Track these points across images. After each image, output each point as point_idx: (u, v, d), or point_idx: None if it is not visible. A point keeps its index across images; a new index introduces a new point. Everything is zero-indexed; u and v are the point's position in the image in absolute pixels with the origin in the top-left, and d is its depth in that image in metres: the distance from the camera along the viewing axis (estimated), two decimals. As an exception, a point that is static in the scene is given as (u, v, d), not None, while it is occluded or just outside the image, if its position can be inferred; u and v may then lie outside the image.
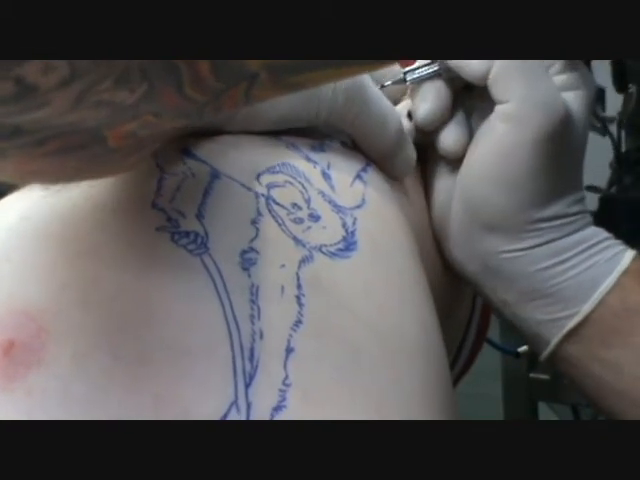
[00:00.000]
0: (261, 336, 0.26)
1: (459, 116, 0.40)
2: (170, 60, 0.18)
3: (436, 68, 0.39)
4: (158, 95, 0.19)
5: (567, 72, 0.39)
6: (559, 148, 0.38)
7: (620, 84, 0.89)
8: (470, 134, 0.40)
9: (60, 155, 0.21)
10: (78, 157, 0.22)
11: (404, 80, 0.39)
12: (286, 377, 0.26)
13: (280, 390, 0.25)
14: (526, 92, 0.37)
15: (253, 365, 0.25)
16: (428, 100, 0.39)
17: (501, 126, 0.38)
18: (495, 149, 0.38)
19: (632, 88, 0.89)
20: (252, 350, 0.26)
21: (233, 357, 0.25)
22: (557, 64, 0.39)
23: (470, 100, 0.40)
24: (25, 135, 0.19)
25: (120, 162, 0.25)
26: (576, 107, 0.39)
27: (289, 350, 0.26)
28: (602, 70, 0.90)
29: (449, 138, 0.40)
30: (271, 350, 0.26)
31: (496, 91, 0.38)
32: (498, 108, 0.38)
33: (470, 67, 0.38)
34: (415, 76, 0.39)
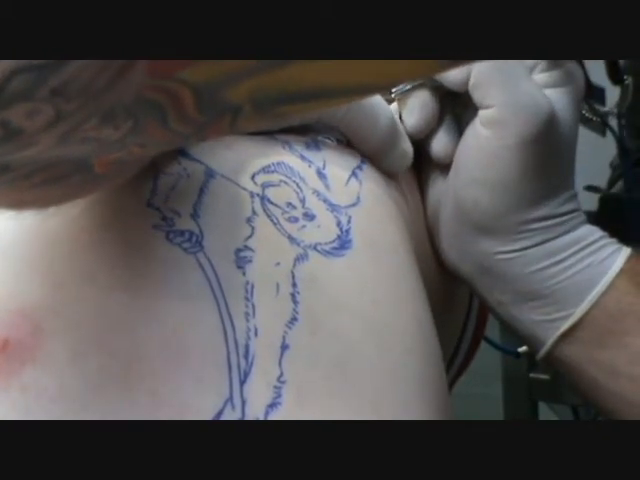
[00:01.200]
0: (256, 333, 0.26)
1: (448, 121, 0.41)
2: (155, 99, 0.19)
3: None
4: (143, 130, 0.20)
5: (552, 69, 0.39)
6: (545, 149, 0.38)
7: (615, 76, 0.88)
8: (459, 138, 0.40)
9: (48, 185, 0.22)
10: (66, 185, 0.22)
11: (390, 92, 0.39)
12: (281, 374, 0.26)
13: (275, 387, 0.25)
14: (507, 97, 0.37)
15: (248, 362, 0.25)
16: (415, 112, 0.39)
17: (485, 131, 0.38)
18: (481, 153, 0.39)
19: (628, 80, 0.88)
20: (247, 347, 0.26)
21: (228, 354, 0.25)
22: (542, 62, 0.39)
23: (457, 104, 0.41)
24: (13, 171, 0.20)
25: (106, 184, 0.26)
26: (562, 104, 0.39)
27: (284, 347, 0.26)
28: (599, 68, 0.89)
29: (438, 145, 0.40)
30: (266, 347, 0.26)
31: (477, 97, 0.38)
32: (481, 113, 0.38)
33: (450, 75, 0.38)
34: (399, 88, 0.39)
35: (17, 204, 0.23)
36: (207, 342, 0.26)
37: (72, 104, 0.17)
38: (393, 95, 0.39)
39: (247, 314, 0.26)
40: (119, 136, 0.19)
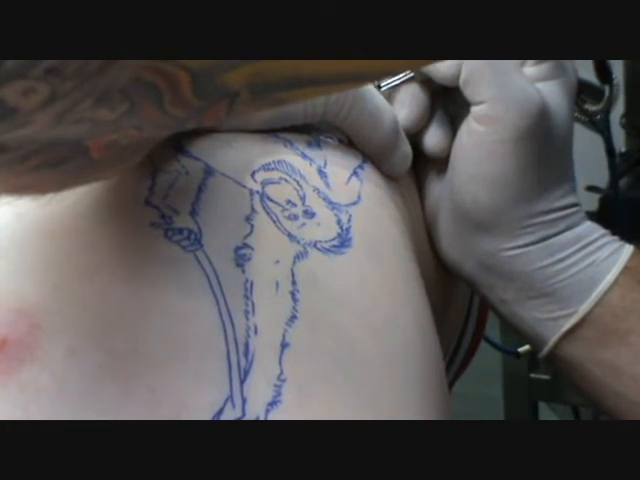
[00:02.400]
0: (256, 331, 0.26)
1: (439, 115, 0.40)
2: (151, 81, 0.19)
3: (408, 71, 0.39)
4: (139, 112, 0.20)
5: (543, 62, 0.39)
6: (540, 141, 0.38)
7: (603, 75, 0.88)
8: (453, 131, 0.40)
9: (45, 170, 0.22)
10: (63, 170, 0.22)
11: (379, 87, 0.39)
12: (281, 372, 0.26)
13: (275, 385, 0.25)
14: (498, 92, 0.37)
15: (248, 360, 0.25)
16: (405, 106, 0.39)
17: (479, 127, 0.38)
18: (476, 149, 0.38)
19: (617, 79, 0.88)
20: (247, 345, 0.26)
21: (228, 352, 0.25)
22: None
23: (449, 98, 0.40)
24: (9, 152, 0.20)
25: (104, 173, 0.26)
26: (555, 97, 0.39)
27: (284, 345, 0.26)
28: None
29: (431, 140, 0.40)
30: (266, 345, 0.26)
31: (468, 93, 0.38)
32: (473, 110, 0.38)
33: (439, 70, 0.38)
34: (389, 82, 0.39)
35: (15, 189, 0.23)
36: (206, 340, 0.25)
37: (67, 84, 0.17)
38: (382, 90, 0.39)
39: (247, 312, 0.26)
40: (114, 117, 0.19)
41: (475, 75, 0.37)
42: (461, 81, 0.38)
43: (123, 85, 0.18)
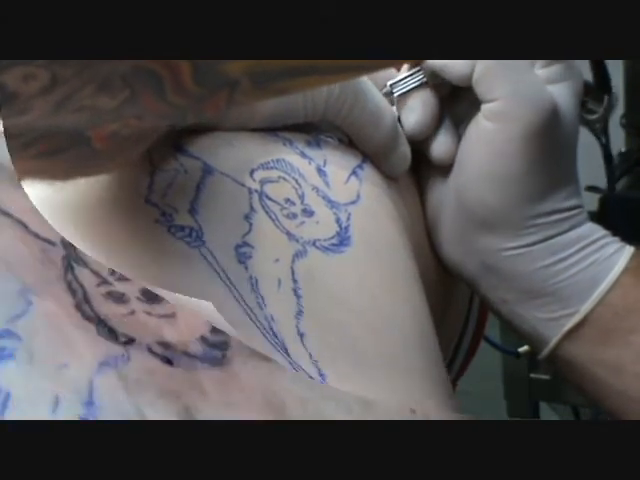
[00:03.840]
0: (273, 319, 0.26)
1: (447, 122, 0.40)
2: (152, 68, 0.19)
3: (421, 76, 0.39)
4: (139, 100, 0.20)
5: (552, 64, 0.39)
6: (549, 142, 0.38)
7: (603, 83, 0.87)
8: (459, 140, 0.40)
9: (48, 157, 0.22)
10: (65, 159, 0.23)
11: (391, 92, 0.39)
12: (310, 355, 0.26)
13: (313, 363, 0.26)
14: (511, 89, 0.37)
15: (280, 341, 0.26)
16: (415, 112, 0.39)
17: (489, 125, 0.38)
18: (486, 147, 0.38)
19: (615, 87, 0.88)
20: (272, 329, 0.26)
21: (263, 334, 0.26)
22: None
23: (458, 103, 0.40)
24: (11, 139, 0.20)
25: (107, 163, 0.26)
26: (564, 99, 0.39)
27: (301, 335, 0.27)
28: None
29: (439, 148, 0.40)
30: (287, 332, 0.26)
31: (481, 91, 0.38)
32: (485, 107, 0.38)
33: (453, 69, 0.38)
34: (401, 87, 0.39)
35: (26, 172, 0.23)
36: (237, 324, 0.25)
37: (68, 70, 0.17)
38: (394, 95, 0.39)
39: (259, 304, 0.27)
40: (115, 105, 0.19)
41: (488, 73, 0.38)
42: (474, 79, 0.38)
43: (124, 72, 0.18)
